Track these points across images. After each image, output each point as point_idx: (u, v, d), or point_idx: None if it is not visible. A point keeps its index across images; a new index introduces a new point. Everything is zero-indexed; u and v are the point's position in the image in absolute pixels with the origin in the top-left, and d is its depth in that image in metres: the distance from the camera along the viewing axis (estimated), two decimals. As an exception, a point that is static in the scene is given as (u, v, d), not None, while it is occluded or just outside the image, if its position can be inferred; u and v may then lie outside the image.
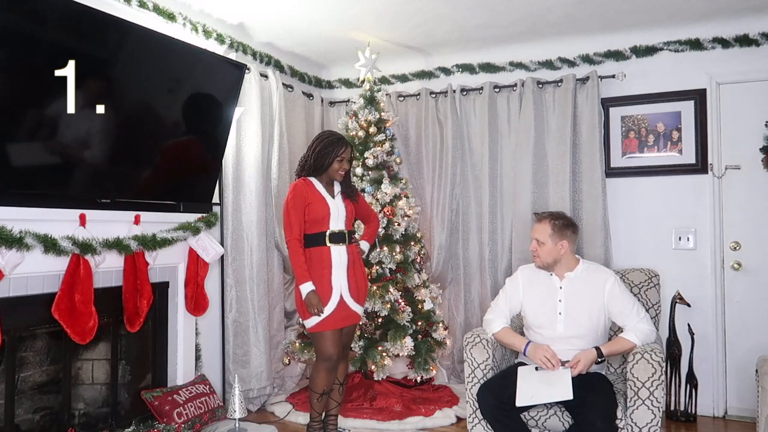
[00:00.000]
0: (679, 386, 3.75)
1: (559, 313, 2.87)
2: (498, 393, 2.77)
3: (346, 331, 3.23)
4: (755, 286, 3.80)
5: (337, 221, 3.10)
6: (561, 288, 2.90)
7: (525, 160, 4.18)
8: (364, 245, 3.28)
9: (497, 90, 4.34)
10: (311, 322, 3.02)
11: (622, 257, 4.04)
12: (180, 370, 3.43)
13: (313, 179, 3.13)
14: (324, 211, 3.06)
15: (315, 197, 3.07)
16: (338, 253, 3.08)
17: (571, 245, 2.91)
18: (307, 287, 2.96)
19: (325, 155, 3.07)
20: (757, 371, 2.77)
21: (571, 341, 2.84)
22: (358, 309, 3.16)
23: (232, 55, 3.76)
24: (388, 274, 3.93)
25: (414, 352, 3.87)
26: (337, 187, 3.18)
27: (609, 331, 3.07)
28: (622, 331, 2.87)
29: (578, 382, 2.73)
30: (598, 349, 2.78)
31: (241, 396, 3.26)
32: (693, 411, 3.75)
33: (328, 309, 3.03)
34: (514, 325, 3.11)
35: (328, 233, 3.06)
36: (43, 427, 2.88)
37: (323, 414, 3.26)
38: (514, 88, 4.28)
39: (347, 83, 4.86)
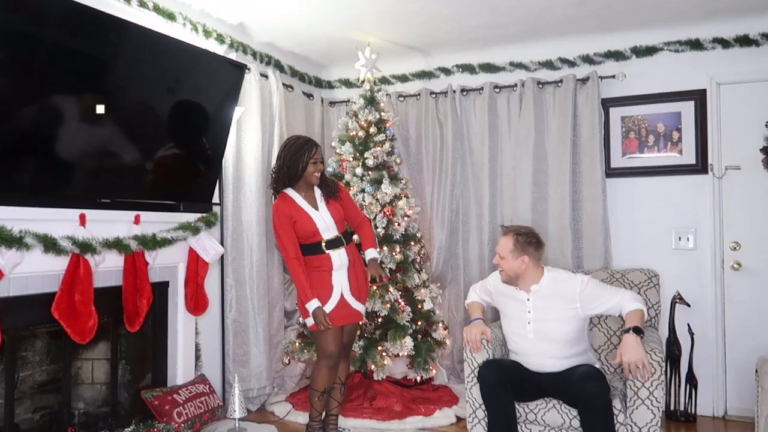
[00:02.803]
0: (679, 386, 3.75)
1: (528, 323, 2.92)
2: (499, 373, 2.85)
3: (348, 330, 3.24)
4: (755, 286, 3.80)
5: (327, 231, 3.10)
6: (528, 300, 2.93)
7: (525, 160, 4.18)
8: (372, 253, 3.24)
9: (497, 90, 4.34)
10: (312, 320, 3.04)
11: (622, 257, 4.04)
12: (180, 369, 3.43)
13: (290, 192, 3.10)
14: (311, 226, 3.06)
15: (299, 214, 3.06)
16: (338, 257, 3.11)
17: (533, 260, 2.92)
18: (312, 305, 3.00)
19: (297, 160, 3.04)
20: (756, 371, 2.78)
21: (541, 346, 2.91)
22: (359, 307, 3.17)
23: (232, 55, 3.77)
24: (388, 274, 3.93)
25: (414, 352, 3.87)
26: (317, 192, 3.15)
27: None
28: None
29: (562, 380, 2.84)
30: (635, 329, 2.69)
31: (240, 396, 3.26)
32: (693, 411, 3.75)
33: (329, 307, 3.05)
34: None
35: (323, 243, 3.09)
36: (43, 426, 2.88)
37: (323, 413, 3.26)
38: (514, 88, 4.28)
39: (347, 83, 4.86)
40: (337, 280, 3.09)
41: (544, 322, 2.88)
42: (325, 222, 3.09)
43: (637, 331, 2.67)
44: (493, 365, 2.90)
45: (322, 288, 3.05)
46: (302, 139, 3.11)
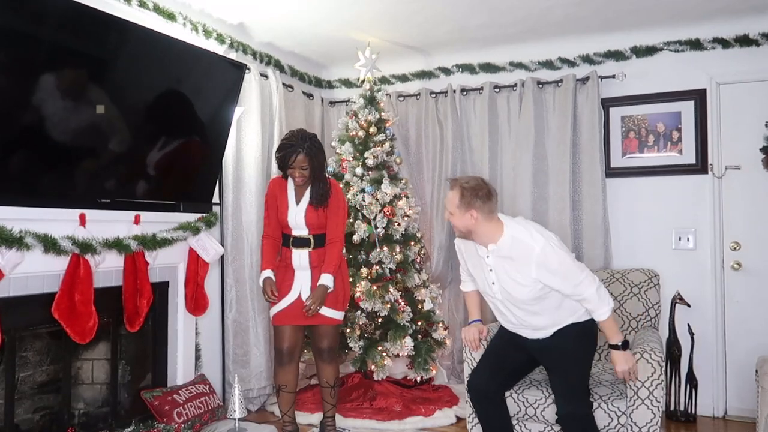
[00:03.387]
0: (679, 386, 3.75)
1: (492, 283, 2.71)
2: (489, 380, 2.83)
3: (321, 332, 3.19)
4: (755, 286, 3.80)
5: (296, 228, 3.11)
6: (488, 258, 2.68)
7: (525, 160, 4.18)
8: (325, 279, 3.03)
9: (497, 90, 4.34)
10: (271, 314, 3.15)
11: (622, 257, 4.04)
12: (180, 369, 3.43)
13: (289, 178, 3.13)
14: (284, 217, 3.11)
15: (281, 200, 3.12)
16: (298, 257, 3.11)
17: (482, 214, 2.60)
18: (263, 274, 3.10)
19: (279, 161, 3.06)
20: (757, 371, 2.78)
21: (513, 309, 2.73)
22: (325, 311, 3.09)
23: (232, 55, 3.77)
24: (388, 274, 3.93)
25: (414, 352, 3.87)
26: (308, 189, 3.13)
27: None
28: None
29: (549, 350, 2.76)
30: (623, 343, 2.66)
31: (240, 396, 3.26)
32: (693, 411, 3.75)
33: (283, 303, 3.09)
34: None
35: (291, 238, 3.12)
36: (43, 426, 2.88)
37: (290, 411, 3.26)
38: (514, 88, 4.28)
39: (347, 83, 4.86)
40: (299, 280, 3.11)
41: (507, 284, 2.66)
42: (295, 219, 3.09)
43: (624, 344, 2.66)
44: (481, 371, 2.88)
45: (283, 282, 3.10)
46: (286, 143, 3.02)
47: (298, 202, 3.11)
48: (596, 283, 2.58)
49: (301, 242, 3.11)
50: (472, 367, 3.01)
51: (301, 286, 3.10)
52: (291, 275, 3.11)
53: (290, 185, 3.12)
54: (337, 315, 3.16)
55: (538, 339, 2.75)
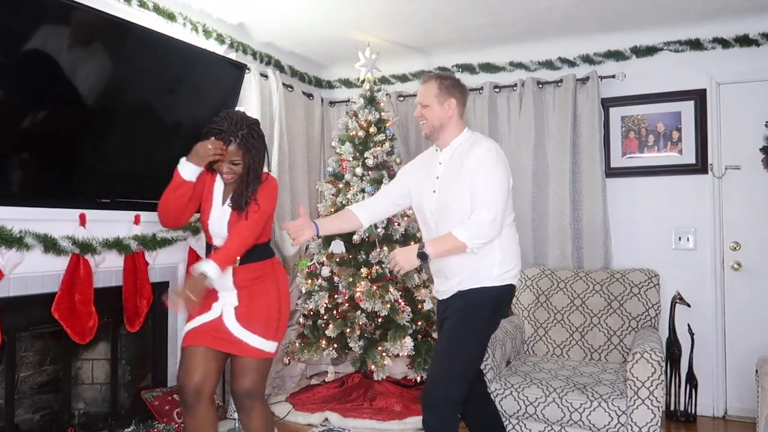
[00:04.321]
0: (679, 386, 3.75)
1: (433, 192, 2.48)
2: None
3: (241, 367, 2.40)
4: (755, 286, 3.80)
5: (218, 236, 2.43)
6: (440, 165, 2.50)
7: (525, 160, 4.18)
8: (205, 265, 2.20)
9: (497, 90, 4.34)
10: (182, 333, 2.46)
11: (622, 257, 4.04)
12: (180, 370, 3.43)
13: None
14: (204, 220, 2.45)
15: (206, 197, 2.45)
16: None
17: (459, 107, 2.51)
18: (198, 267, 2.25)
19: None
20: (757, 371, 2.78)
21: (441, 222, 2.44)
22: (250, 340, 2.36)
23: (232, 55, 3.77)
24: (388, 274, 3.93)
25: (414, 352, 3.87)
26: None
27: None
28: None
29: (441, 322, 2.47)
30: (422, 244, 2.35)
31: (241, 396, 3.25)
32: (693, 411, 3.75)
33: (198, 320, 2.38)
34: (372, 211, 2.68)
35: (212, 248, 2.44)
36: (43, 427, 2.88)
37: None
38: (514, 88, 4.28)
39: (347, 83, 4.86)
40: (221, 300, 2.39)
41: (447, 190, 2.42)
42: (218, 225, 2.41)
43: (423, 257, 2.31)
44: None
45: (205, 299, 2.28)
46: (218, 127, 2.37)
47: (224, 202, 2.42)
48: (498, 223, 2.30)
49: None
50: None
51: (223, 306, 2.38)
52: (213, 296, 2.37)
53: (218, 182, 2.45)
54: (267, 345, 2.39)
55: (445, 300, 2.48)
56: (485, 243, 2.31)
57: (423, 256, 2.31)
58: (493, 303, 2.42)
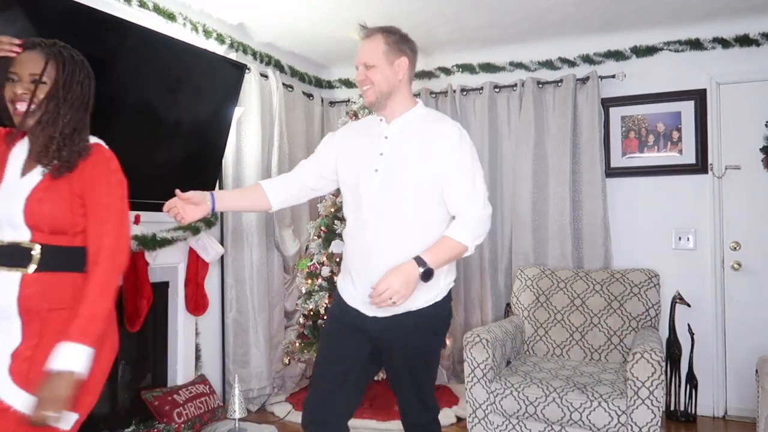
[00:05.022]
0: (679, 386, 3.75)
1: (376, 170, 2.01)
2: (321, 404, 2.06)
3: None
4: (755, 286, 3.80)
5: (6, 225, 1.56)
6: (387, 138, 2.05)
7: (525, 160, 4.19)
8: (72, 355, 1.46)
9: (497, 90, 4.34)
10: None
11: (622, 257, 4.04)
12: (180, 370, 3.43)
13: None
14: None
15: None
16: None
17: (410, 69, 2.13)
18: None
19: None
20: (757, 371, 2.78)
21: (385, 217, 1.98)
22: (18, 403, 1.49)
23: (232, 55, 3.77)
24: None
25: (414, 352, 3.87)
26: (32, 144, 1.64)
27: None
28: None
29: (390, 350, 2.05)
30: (419, 258, 1.88)
31: (241, 396, 3.26)
32: (693, 411, 3.75)
33: None
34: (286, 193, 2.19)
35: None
36: (43, 427, 2.88)
37: None
38: (514, 88, 4.28)
39: (347, 83, 4.86)
40: None
41: (395, 170, 1.99)
42: (7, 206, 1.56)
43: (423, 264, 1.87)
44: (315, 394, 2.08)
45: None
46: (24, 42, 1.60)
47: (25, 172, 1.60)
48: (489, 208, 2.00)
49: (10, 255, 1.54)
50: (472, 367, 3.00)
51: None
52: None
53: (19, 148, 1.63)
54: (63, 424, 1.57)
55: (384, 319, 1.99)
56: (482, 238, 2.02)
57: (429, 275, 1.89)
58: (447, 314, 2.13)
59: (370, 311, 1.99)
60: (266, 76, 4.09)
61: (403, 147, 2.01)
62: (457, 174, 1.96)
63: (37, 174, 1.58)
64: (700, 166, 3.91)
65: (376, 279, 1.90)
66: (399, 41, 2.12)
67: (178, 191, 2.02)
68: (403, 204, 1.97)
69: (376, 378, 3.84)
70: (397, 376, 2.09)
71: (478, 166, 2.02)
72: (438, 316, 2.08)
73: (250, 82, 3.87)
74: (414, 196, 1.97)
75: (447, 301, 2.11)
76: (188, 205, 2.03)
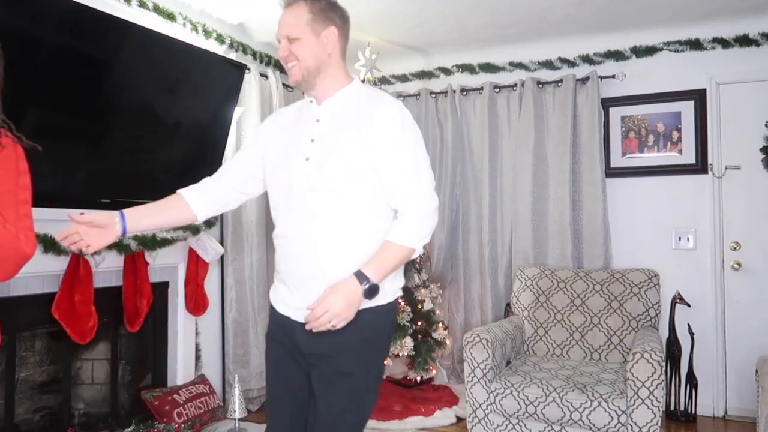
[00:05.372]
0: (679, 386, 3.75)
1: (306, 159, 1.72)
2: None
3: None
4: (755, 286, 3.80)
5: None
6: (318, 122, 1.76)
7: (525, 160, 4.19)
8: None
9: (497, 90, 4.34)
10: None
11: (622, 257, 4.04)
12: (180, 370, 3.43)
13: None
14: None
15: None
16: None
17: (342, 41, 1.86)
18: None
19: None
20: (757, 371, 2.78)
21: (319, 212, 1.68)
22: None
23: (232, 55, 3.77)
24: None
25: (414, 352, 3.87)
26: None
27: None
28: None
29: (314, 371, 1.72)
30: (360, 274, 1.63)
31: (241, 396, 3.26)
32: (693, 411, 3.75)
33: None
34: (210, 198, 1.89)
35: None
36: (43, 427, 2.88)
37: None
38: (514, 88, 4.28)
39: (347, 83, 4.85)
40: None
41: (326, 155, 1.69)
42: None
43: (365, 280, 1.62)
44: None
45: None
46: None
47: None
48: (434, 200, 1.73)
49: None
50: (473, 367, 3.00)
51: None
52: None
53: None
54: None
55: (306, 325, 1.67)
56: (428, 237, 1.73)
57: (374, 291, 1.64)
58: (391, 328, 1.80)
59: (301, 317, 1.69)
60: (266, 76, 4.08)
61: (338, 131, 1.72)
62: (397, 163, 1.69)
63: None
64: (700, 166, 3.91)
65: (313, 285, 1.66)
66: (326, 8, 1.81)
67: (73, 214, 1.67)
68: (338, 196, 1.67)
69: (376, 378, 3.84)
70: (314, 409, 1.69)
71: (422, 152, 1.76)
72: (376, 326, 1.71)
73: (250, 82, 3.87)
74: (351, 188, 1.67)
75: (390, 310, 1.77)
76: (92, 229, 1.70)
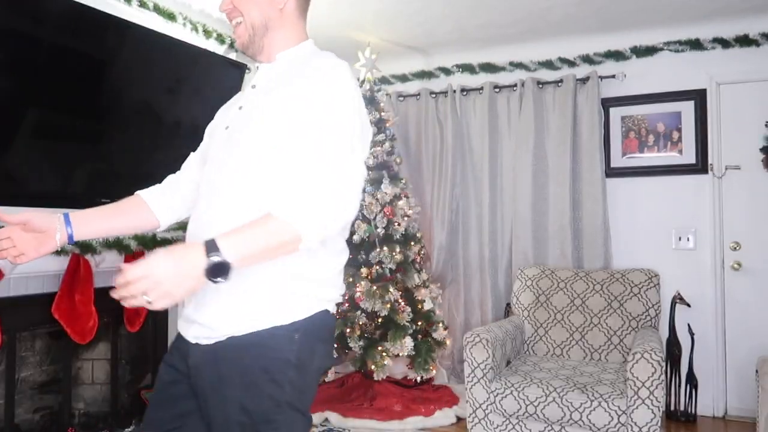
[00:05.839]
0: (679, 386, 3.75)
1: (226, 127, 1.47)
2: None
3: None
4: (755, 286, 3.80)
5: None
6: (254, 87, 1.51)
7: (525, 160, 4.19)
8: None
9: (497, 90, 4.34)
10: None
11: (623, 257, 4.04)
12: (180, 370, 3.43)
13: None
14: None
15: None
16: None
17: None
18: None
19: None
20: (757, 371, 2.78)
21: (222, 191, 1.36)
22: None
23: (232, 55, 3.77)
24: (388, 274, 3.92)
25: (414, 352, 3.87)
26: None
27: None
28: None
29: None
30: (210, 242, 1.15)
31: (241, 396, 3.26)
32: (693, 411, 3.75)
33: None
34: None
35: None
36: (43, 427, 2.88)
37: None
38: (514, 88, 4.28)
39: (347, 83, 4.85)
40: None
41: (244, 127, 1.39)
42: None
43: (218, 268, 1.13)
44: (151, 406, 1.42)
45: None
46: None
47: None
48: (353, 184, 1.28)
49: None
50: (473, 367, 2.99)
51: None
52: None
53: None
54: None
55: (200, 348, 1.31)
56: (332, 232, 1.26)
57: (221, 270, 1.13)
58: (302, 360, 1.29)
59: (190, 333, 1.33)
60: (266, 76, 4.08)
61: (267, 95, 1.40)
62: (314, 123, 1.28)
63: None
64: (700, 166, 3.91)
65: (200, 298, 1.30)
66: None
67: (4, 214, 1.36)
68: (246, 173, 1.33)
69: (375, 378, 3.84)
70: None
71: (352, 122, 1.31)
72: (279, 355, 1.26)
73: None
74: (263, 162, 1.32)
75: (309, 333, 1.30)
76: (27, 234, 1.37)
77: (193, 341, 1.32)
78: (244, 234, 1.18)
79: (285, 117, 1.31)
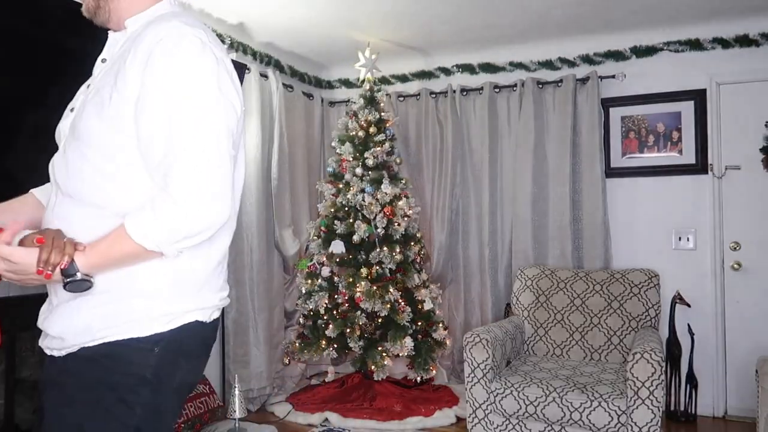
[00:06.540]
0: (679, 386, 3.75)
1: (71, 110, 1.37)
2: None
3: None
4: (755, 286, 3.80)
5: None
6: (104, 61, 1.39)
7: (525, 160, 4.19)
8: None
9: (497, 90, 4.34)
10: None
11: (622, 257, 4.04)
12: (180, 370, 3.43)
13: None
14: None
15: None
16: None
17: None
18: None
19: None
20: (757, 371, 2.78)
21: (64, 183, 1.24)
22: None
23: (232, 55, 3.76)
24: (388, 274, 3.93)
25: (414, 352, 3.87)
26: None
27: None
28: None
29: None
30: (79, 281, 1.11)
31: (241, 396, 3.26)
32: (693, 411, 3.75)
33: None
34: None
35: None
36: (43, 427, 2.88)
37: None
38: (514, 88, 4.28)
39: (347, 83, 4.86)
40: None
41: (84, 108, 1.27)
42: None
43: (69, 275, 1.10)
44: None
45: None
46: None
47: None
48: (224, 199, 1.14)
49: None
50: (473, 367, 2.99)
51: None
52: None
53: None
54: None
55: (56, 360, 1.19)
56: (196, 241, 1.14)
57: (72, 275, 1.10)
58: (154, 375, 1.16)
59: (44, 344, 1.21)
60: (266, 76, 4.09)
61: (109, 70, 1.25)
62: (159, 111, 1.11)
63: None
64: (700, 166, 3.91)
65: (50, 299, 1.24)
66: None
67: None
68: (84, 161, 1.19)
69: (375, 378, 3.84)
70: None
71: (207, 105, 1.13)
72: (133, 370, 1.14)
73: (250, 82, 3.87)
74: (101, 149, 1.17)
75: (172, 347, 1.17)
76: None
77: (48, 353, 1.18)
78: (98, 246, 1.12)
79: (124, 103, 1.14)
